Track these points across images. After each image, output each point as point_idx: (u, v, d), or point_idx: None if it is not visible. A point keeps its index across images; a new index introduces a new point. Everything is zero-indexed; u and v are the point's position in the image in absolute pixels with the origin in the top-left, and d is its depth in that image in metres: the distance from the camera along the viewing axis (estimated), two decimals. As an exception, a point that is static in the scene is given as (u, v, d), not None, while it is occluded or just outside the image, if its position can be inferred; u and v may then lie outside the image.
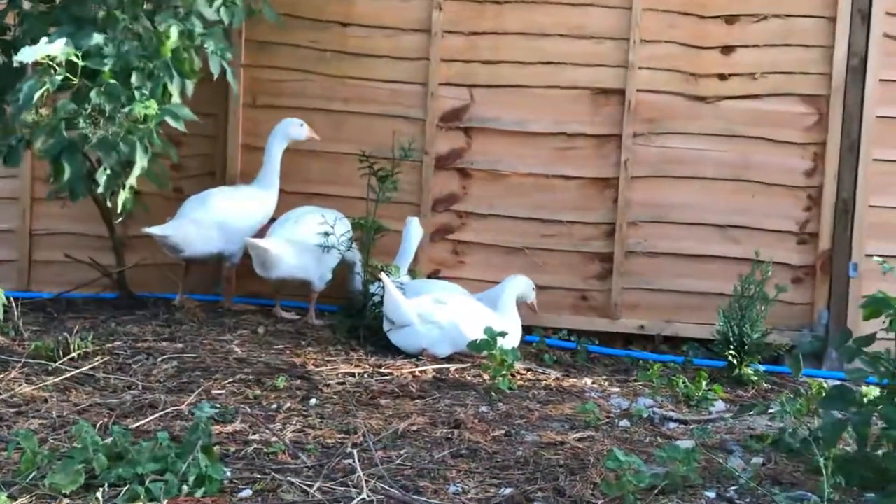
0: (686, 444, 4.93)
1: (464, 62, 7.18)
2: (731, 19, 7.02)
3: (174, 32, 5.70)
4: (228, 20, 6.15)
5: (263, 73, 7.28)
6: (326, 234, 6.63)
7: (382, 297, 6.43)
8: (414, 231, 6.93)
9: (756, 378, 6.46)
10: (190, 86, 5.77)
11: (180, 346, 6.17)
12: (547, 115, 7.14)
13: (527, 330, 6.95)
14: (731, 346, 6.52)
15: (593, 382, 6.30)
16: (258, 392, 5.51)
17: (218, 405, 5.17)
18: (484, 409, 5.55)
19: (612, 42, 7.07)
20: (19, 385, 5.36)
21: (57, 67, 5.22)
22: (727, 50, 7.03)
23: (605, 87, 7.10)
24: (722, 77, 7.05)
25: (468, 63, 7.18)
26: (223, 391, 5.49)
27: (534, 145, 7.18)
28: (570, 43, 7.10)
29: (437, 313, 6.33)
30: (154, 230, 6.59)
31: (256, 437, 4.88)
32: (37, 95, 5.23)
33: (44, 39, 5.25)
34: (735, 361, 6.51)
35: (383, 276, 6.33)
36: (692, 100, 7.06)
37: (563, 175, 7.17)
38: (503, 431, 5.20)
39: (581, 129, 7.14)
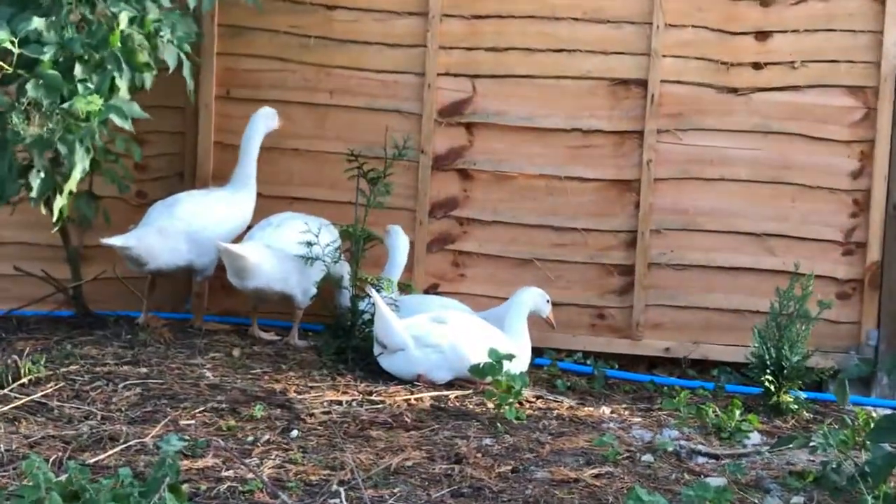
0: (717, 481, 4.93)
1: (465, 49, 7.21)
2: (766, 1, 7.05)
3: (124, 18, 5.69)
4: (195, 3, 6.15)
5: (239, 62, 7.31)
6: (310, 244, 6.65)
7: (373, 314, 6.44)
8: (402, 240, 6.95)
9: (796, 406, 6.47)
10: (148, 79, 5.77)
11: (145, 370, 6.18)
12: (559, 109, 7.17)
13: (537, 352, 6.97)
14: (768, 371, 6.53)
15: (612, 411, 6.31)
16: (232, 423, 5.52)
17: (187, 437, 5.18)
18: (488, 441, 5.56)
19: (633, 26, 7.10)
20: (-38, 415, 5.38)
21: (-12, 55, 5.23)
22: (762, 35, 7.06)
23: (624, 77, 7.13)
24: (756, 66, 7.07)
25: (470, 50, 7.21)
26: (193, 421, 5.51)
27: (544, 143, 7.20)
28: (584, 27, 7.13)
29: (436, 334, 6.34)
30: (114, 241, 6.60)
31: (230, 473, 4.89)
32: (-41, 86, 5.23)
33: None
34: (772, 388, 6.52)
35: (372, 292, 6.33)
36: (723, 92, 7.09)
37: (577, 177, 7.19)
38: (510, 467, 5.21)
39: (598, 124, 7.16)
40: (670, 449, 5.61)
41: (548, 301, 6.74)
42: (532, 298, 6.68)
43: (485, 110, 7.22)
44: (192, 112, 7.32)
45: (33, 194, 5.81)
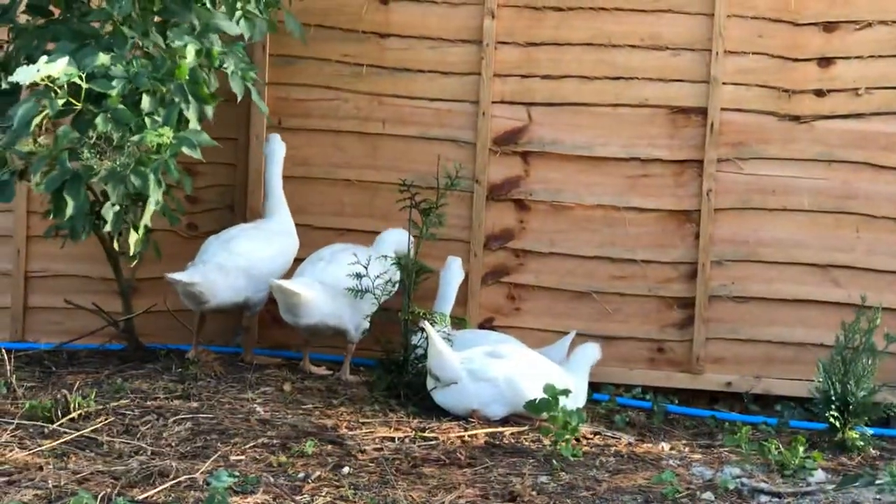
0: (779, 521, 4.90)
1: (520, 77, 7.24)
2: (829, 26, 7.03)
3: (191, 52, 5.78)
4: (249, 34, 6.24)
5: (290, 92, 7.38)
6: (359, 276, 6.68)
7: (426, 349, 6.47)
8: (456, 273, 6.97)
9: (862, 443, 6.41)
10: (209, 110, 5.85)
11: (195, 404, 6.24)
12: (617, 137, 7.17)
13: (595, 387, 6.96)
14: (833, 406, 6.48)
15: (672, 448, 6.28)
16: (283, 459, 5.56)
17: (237, 473, 5.22)
18: (544, 479, 5.56)
19: (692, 53, 7.10)
20: (11, 450, 5.45)
21: (58, 90, 5.31)
22: (825, 62, 7.03)
23: (683, 105, 7.13)
24: (819, 93, 7.05)
25: (525, 78, 7.24)
26: (243, 457, 5.55)
27: (602, 172, 7.20)
28: (642, 55, 7.14)
29: (491, 368, 6.35)
30: (180, 276, 6.65)
31: (281, 510, 4.92)
32: (35, 122, 5.32)
33: (43, 58, 5.36)
34: (837, 423, 6.46)
35: (426, 325, 6.36)
36: (785, 120, 7.07)
37: (635, 207, 7.19)
38: (566, 505, 5.21)
39: (656, 153, 7.16)
40: (732, 487, 5.57)
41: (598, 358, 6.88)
42: (594, 355, 6.79)
43: (541, 139, 7.24)
44: (244, 143, 7.40)
45: (108, 228, 5.90)
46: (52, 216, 6.10)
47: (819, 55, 7.03)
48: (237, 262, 6.82)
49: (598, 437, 6.33)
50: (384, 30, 7.30)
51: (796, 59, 7.04)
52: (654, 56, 7.12)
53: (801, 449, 6.03)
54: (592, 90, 7.18)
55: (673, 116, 7.14)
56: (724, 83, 7.06)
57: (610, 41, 7.15)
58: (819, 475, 5.89)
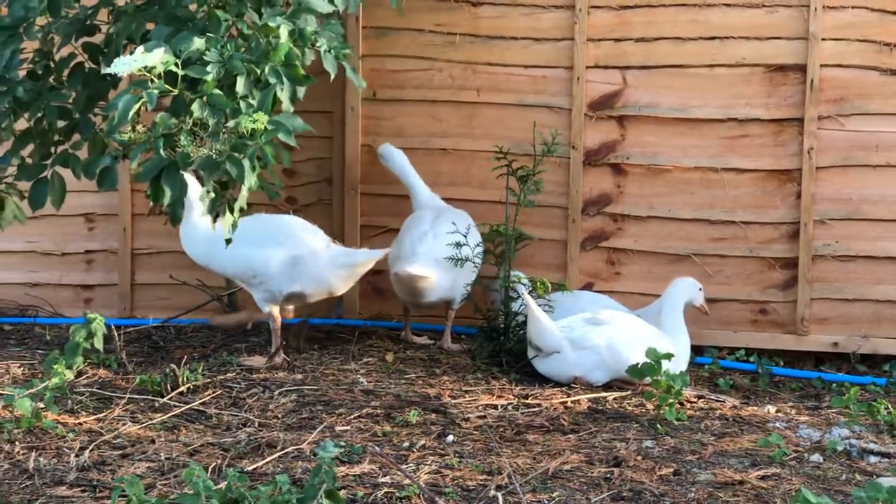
0: (890, 481, 4.83)
1: (614, 41, 7.19)
2: (931, -23, 6.89)
3: (284, 32, 5.82)
4: (344, 6, 6.26)
5: (384, 63, 7.42)
6: (459, 245, 6.70)
7: (526, 316, 6.47)
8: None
9: (975, 402, 6.31)
10: (301, 91, 5.89)
11: (299, 376, 6.32)
12: (713, 98, 7.11)
13: (697, 350, 6.92)
14: (944, 365, 6.39)
15: (778, 410, 6.24)
16: (388, 428, 5.61)
17: (343, 444, 5.29)
18: (648, 443, 5.55)
19: (789, 10, 7.00)
20: (123, 424, 5.58)
21: (155, 79, 5.38)
22: (927, 13, 6.90)
23: (781, 63, 7.03)
24: (922, 45, 6.93)
25: (619, 42, 7.19)
26: (348, 427, 5.61)
27: (699, 134, 7.14)
28: (738, 13, 7.05)
29: (592, 336, 6.34)
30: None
31: (387, 479, 4.97)
32: (133, 110, 5.40)
33: (139, 48, 5.42)
34: (948, 383, 6.37)
35: (526, 297, 6.36)
36: (886, 74, 6.95)
37: (734, 168, 7.12)
38: (671, 470, 5.19)
39: (754, 113, 7.08)
40: (840, 448, 5.52)
41: (700, 289, 6.70)
42: (685, 289, 6.64)
43: (636, 102, 7.19)
44: (340, 116, 7.45)
45: (204, 213, 5.99)
46: (150, 202, 6.20)
47: (920, 6, 6.90)
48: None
49: (702, 400, 6.30)
50: (476, -2, 7.32)
51: (896, 12, 6.92)
52: (750, 14, 7.03)
53: (911, 409, 5.96)
54: (687, 51, 7.12)
55: (770, 75, 7.05)
56: (823, 39, 6.95)
57: (704, 1, 7.07)
58: (930, 435, 5.82)
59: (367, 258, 6.57)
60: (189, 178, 6.39)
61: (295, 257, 6.49)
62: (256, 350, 6.76)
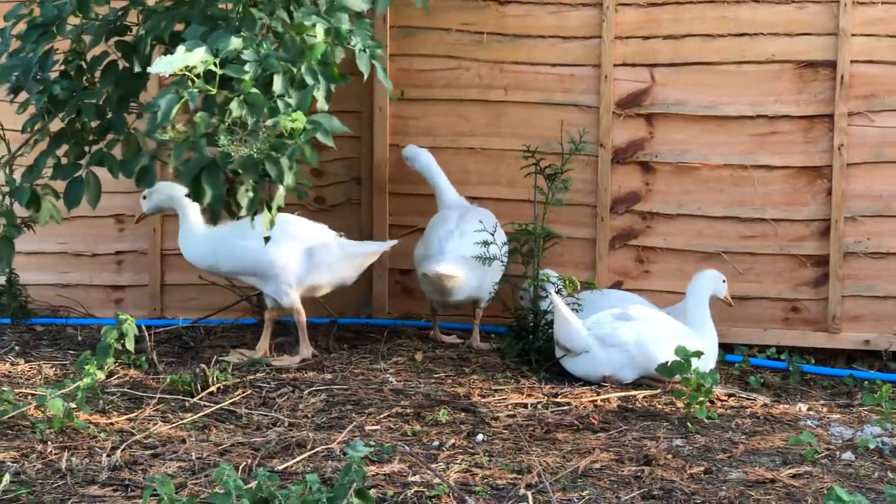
0: (923, 480, 4.82)
1: (642, 38, 7.18)
2: (961, -29, 6.84)
3: (320, 31, 5.83)
4: (373, 5, 6.27)
5: (412, 63, 7.43)
6: (486, 244, 6.70)
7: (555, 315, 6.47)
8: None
9: None
10: (332, 88, 5.90)
11: (329, 376, 6.33)
12: (742, 95, 7.08)
13: (727, 348, 6.89)
14: (977, 362, 6.34)
15: (809, 408, 6.21)
16: (417, 427, 5.62)
17: (372, 443, 5.29)
18: (678, 442, 5.53)
19: (818, 6, 6.97)
20: (154, 424, 5.60)
21: (195, 79, 5.40)
22: (958, 8, 6.86)
23: (811, 59, 7.00)
24: (953, 41, 6.88)
25: (647, 39, 7.17)
26: (378, 427, 5.62)
27: (728, 131, 7.12)
28: (767, 9, 7.02)
29: (621, 332, 6.33)
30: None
31: (417, 478, 4.97)
32: (175, 110, 5.42)
33: (181, 48, 5.44)
34: (982, 380, 6.32)
35: (553, 294, 6.36)
36: (918, 70, 6.92)
37: (764, 165, 7.09)
38: (702, 468, 5.17)
39: (784, 110, 7.05)
40: (872, 446, 5.49)
41: (723, 281, 6.67)
42: (708, 281, 6.60)
43: (664, 100, 7.18)
44: (368, 116, 7.47)
45: (243, 213, 6.03)
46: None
47: (952, 1, 6.86)
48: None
49: (732, 398, 6.28)
50: (503, -3, 7.32)
51: (927, 7, 6.88)
52: (779, 10, 7.01)
53: (944, 406, 5.92)
54: (716, 48, 7.10)
55: (800, 71, 7.02)
56: (853, 34, 6.91)
57: (733, -3, 7.07)
58: (963, 432, 5.78)
59: (377, 248, 6.76)
60: (173, 185, 6.46)
61: (309, 249, 6.55)
62: (286, 350, 6.78)
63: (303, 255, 6.58)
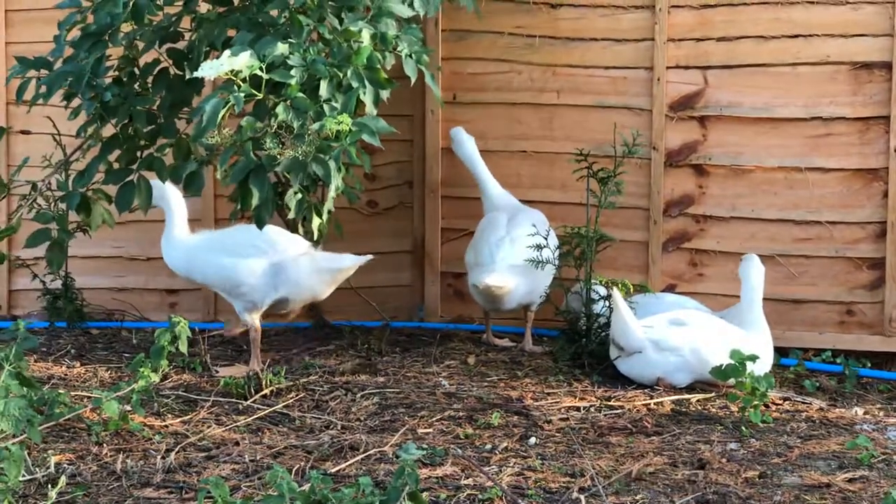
0: (982, 485, 4.76)
1: (695, 41, 7.14)
2: None
3: (366, 36, 5.86)
4: (423, 11, 6.29)
5: (464, 66, 7.43)
6: (539, 248, 6.68)
7: (608, 318, 6.44)
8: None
9: None
10: (385, 94, 5.92)
11: (381, 379, 6.35)
12: (796, 97, 7.03)
13: (782, 352, 6.84)
14: None
15: (866, 412, 6.15)
16: (470, 431, 5.62)
17: (425, 446, 5.30)
18: (733, 446, 5.50)
19: (874, 6, 6.90)
20: (208, 426, 5.63)
21: (241, 83, 5.44)
22: None
23: (866, 60, 6.94)
24: None
25: (700, 41, 7.14)
26: (430, 430, 5.62)
27: (782, 134, 7.07)
28: (821, 10, 6.97)
29: (675, 337, 6.30)
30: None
31: (469, 481, 4.97)
32: (221, 114, 5.46)
33: (226, 52, 5.48)
34: None
35: (615, 293, 6.34)
36: (975, 70, 6.84)
37: (819, 167, 7.03)
38: (757, 472, 5.14)
39: (839, 111, 6.99)
40: (930, 451, 5.44)
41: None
42: (757, 266, 6.51)
43: (717, 102, 7.14)
44: (420, 119, 7.48)
45: (292, 215, 6.07)
46: (238, 206, 6.27)
47: None
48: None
49: (787, 402, 6.23)
50: (556, 0, 7.28)
51: None
52: (834, 11, 6.94)
53: None
54: (769, 50, 7.05)
55: (855, 72, 6.96)
56: (909, 35, 6.86)
57: (786, -2, 7.02)
58: None
59: (352, 263, 6.51)
60: (168, 185, 6.45)
61: (277, 264, 6.47)
62: (338, 354, 6.79)
63: (269, 273, 6.44)
